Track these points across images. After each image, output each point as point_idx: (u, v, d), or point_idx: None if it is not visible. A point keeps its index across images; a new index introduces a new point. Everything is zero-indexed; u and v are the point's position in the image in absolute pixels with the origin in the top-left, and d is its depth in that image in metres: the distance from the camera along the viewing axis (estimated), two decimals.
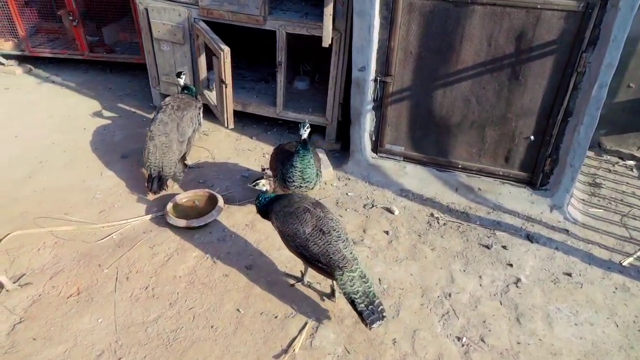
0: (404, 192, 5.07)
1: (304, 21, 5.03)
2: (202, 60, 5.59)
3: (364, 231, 4.49)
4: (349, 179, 5.24)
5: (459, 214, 4.76)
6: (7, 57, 7.44)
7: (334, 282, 3.40)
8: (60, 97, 6.74)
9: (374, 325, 3.11)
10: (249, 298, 3.68)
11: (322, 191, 4.99)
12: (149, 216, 4.46)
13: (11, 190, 4.70)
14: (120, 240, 4.17)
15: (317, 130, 5.87)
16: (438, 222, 4.66)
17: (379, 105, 4.89)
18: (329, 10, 4.32)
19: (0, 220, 4.25)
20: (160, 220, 4.42)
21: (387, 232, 4.49)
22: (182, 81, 5.14)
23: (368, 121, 5.00)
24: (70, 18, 6.73)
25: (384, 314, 3.21)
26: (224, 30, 5.29)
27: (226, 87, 4.87)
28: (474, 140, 4.77)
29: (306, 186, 4.02)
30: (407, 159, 5.12)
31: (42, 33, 7.52)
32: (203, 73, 5.72)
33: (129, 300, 3.59)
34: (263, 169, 3.69)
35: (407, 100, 4.80)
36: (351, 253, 3.30)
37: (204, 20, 5.29)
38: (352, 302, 3.17)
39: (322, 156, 5.28)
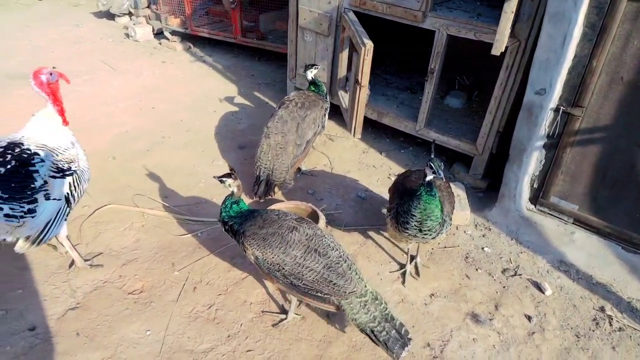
0: (564, 266, 3.71)
1: (472, 22, 3.98)
2: (344, 56, 4.91)
3: (496, 307, 3.30)
4: (490, 230, 4.04)
5: None
6: (173, 33, 7.78)
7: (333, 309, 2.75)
8: (204, 77, 6.74)
9: (402, 354, 2.58)
10: (321, 359, 2.84)
11: (449, 237, 3.91)
12: None
13: (127, 160, 4.60)
14: (203, 240, 3.68)
15: (462, 159, 4.76)
16: (610, 324, 3.24)
17: (554, 144, 3.61)
18: (510, 6, 3.22)
19: (105, 189, 4.11)
20: None
21: (529, 318, 3.24)
22: (310, 75, 4.48)
23: (533, 162, 3.74)
24: (230, 0, 6.66)
25: (410, 336, 2.66)
26: (374, 27, 4.52)
27: (360, 88, 4.08)
28: None
29: (423, 237, 3.00)
30: (579, 222, 3.72)
31: (210, 15, 7.69)
32: (342, 71, 5.04)
33: (187, 317, 3.03)
34: (231, 170, 2.81)
35: (598, 145, 3.44)
36: (356, 273, 2.70)
37: (353, 11, 4.58)
38: (372, 333, 2.61)
39: (461, 193, 4.18)
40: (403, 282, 3.43)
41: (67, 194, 2.90)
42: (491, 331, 3.11)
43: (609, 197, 3.53)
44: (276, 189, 4.17)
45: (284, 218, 2.82)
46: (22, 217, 2.61)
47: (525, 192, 3.88)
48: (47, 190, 2.75)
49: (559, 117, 3.49)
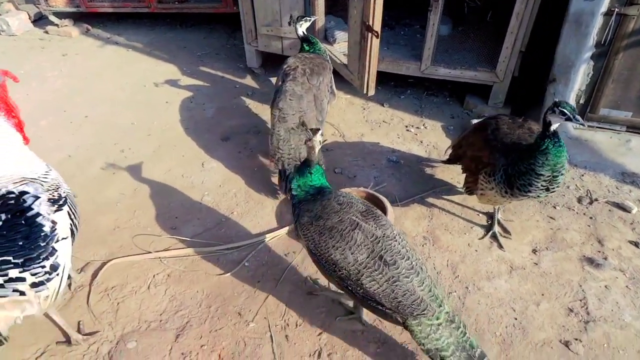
0: (629, 177, 3.55)
1: None
2: (321, 3, 4.08)
3: (600, 243, 3.04)
4: None
5: None
6: (61, 15, 6.16)
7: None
8: (128, 63, 5.45)
9: None
10: None
11: None
12: (287, 228, 3.18)
13: (94, 194, 3.51)
14: (255, 270, 2.91)
15: (473, 90, 4.33)
16: None
17: (604, 53, 3.28)
18: None
19: (89, 240, 3.08)
20: None
21: (636, 244, 3.03)
22: (301, 30, 3.60)
23: (580, 76, 3.41)
24: None
25: None
26: None
27: (375, 37, 3.36)
28: None
29: (546, 195, 2.55)
30: (634, 128, 3.53)
31: None
32: (321, 20, 4.23)
33: None
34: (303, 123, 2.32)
35: None
36: (430, 291, 2.12)
37: None
38: None
39: None
40: (500, 246, 3.02)
41: (70, 225, 2.31)
42: (614, 271, 2.85)
43: None
44: None
45: (347, 209, 2.21)
46: (48, 280, 2.10)
47: None
48: (57, 230, 2.18)
49: (611, 21, 3.13)
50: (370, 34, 3.40)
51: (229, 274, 2.88)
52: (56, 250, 2.15)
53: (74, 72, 5.28)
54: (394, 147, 3.96)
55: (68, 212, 2.31)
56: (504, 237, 3.09)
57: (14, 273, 2.03)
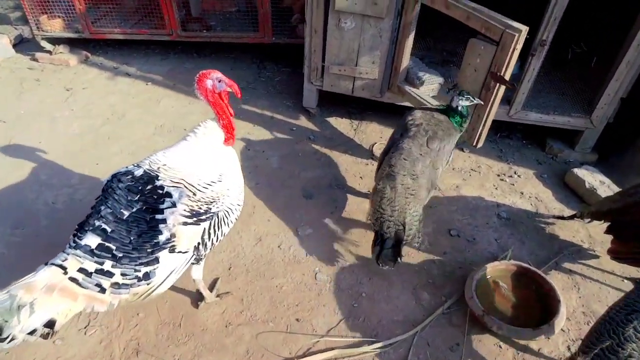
0: None
1: None
2: (409, 43, 3.72)
3: None
4: None
5: None
6: (54, 40, 5.26)
7: None
8: (152, 99, 4.73)
9: None
10: None
11: None
12: (437, 313, 2.75)
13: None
14: None
15: (555, 134, 4.17)
16: None
17: None
18: None
19: (197, 347, 2.46)
20: (458, 319, 2.74)
21: None
22: (459, 104, 3.09)
23: None
24: None
25: None
26: None
27: (510, 88, 3.06)
28: None
29: None
30: None
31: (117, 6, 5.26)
32: (405, 61, 3.85)
33: None
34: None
35: None
36: None
37: None
38: None
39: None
40: None
41: (199, 243, 2.28)
42: None
43: None
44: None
45: None
46: (132, 285, 2.05)
47: None
48: (173, 243, 2.15)
49: None
50: (498, 86, 3.09)
51: None
52: (158, 262, 2.10)
53: (90, 112, 4.47)
54: (497, 200, 3.67)
55: (205, 228, 2.27)
56: None
57: (107, 265, 1.99)
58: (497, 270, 2.89)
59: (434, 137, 3.01)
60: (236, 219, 2.52)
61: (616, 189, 3.58)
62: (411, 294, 2.91)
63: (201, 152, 2.41)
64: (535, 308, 2.74)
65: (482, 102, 3.14)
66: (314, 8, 3.76)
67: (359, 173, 3.88)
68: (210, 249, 2.39)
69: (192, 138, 2.43)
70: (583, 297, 2.95)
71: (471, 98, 3.06)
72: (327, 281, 2.97)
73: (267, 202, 3.53)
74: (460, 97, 3.05)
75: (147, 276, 2.07)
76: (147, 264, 2.06)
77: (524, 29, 2.87)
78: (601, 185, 3.63)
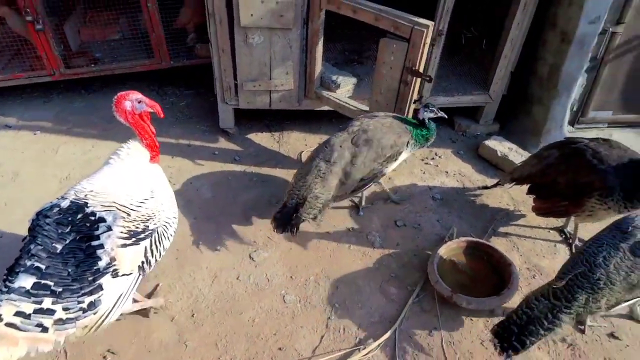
0: None
1: None
2: (319, 50, 3.77)
3: None
4: None
5: None
6: None
7: None
8: (47, 150, 4.21)
9: None
10: None
11: None
12: (410, 300, 2.86)
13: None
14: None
15: (460, 111, 4.53)
16: None
17: (596, 65, 3.79)
18: None
19: None
20: (421, 316, 2.86)
21: None
22: (425, 116, 3.27)
23: (576, 88, 3.87)
24: (29, 18, 4.07)
25: None
26: None
27: (428, 81, 3.26)
28: None
29: None
30: (614, 124, 4.17)
31: None
32: (318, 68, 3.90)
33: None
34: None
35: (632, 52, 3.78)
36: None
37: None
38: None
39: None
40: None
41: (142, 262, 2.27)
42: None
43: (637, 94, 4.01)
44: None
45: None
46: (78, 318, 1.99)
47: (567, 118, 4.04)
48: (114, 267, 2.12)
49: (604, 38, 3.63)
50: (414, 79, 3.27)
51: None
52: (102, 289, 2.06)
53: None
54: (428, 183, 3.91)
55: (147, 247, 2.26)
56: None
57: (47, 303, 1.91)
58: (450, 249, 3.09)
59: (367, 136, 3.11)
60: (175, 231, 2.54)
61: (523, 152, 4.02)
62: (380, 293, 2.99)
63: (128, 173, 2.41)
64: (492, 276, 2.97)
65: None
66: (218, 27, 3.63)
67: None
68: (154, 266, 2.39)
69: (116, 160, 2.43)
70: (524, 255, 3.27)
71: (435, 110, 3.24)
72: (297, 301, 2.92)
73: (212, 236, 3.36)
74: (425, 110, 3.23)
75: (92, 305, 2.03)
76: (90, 292, 2.02)
77: (431, 24, 3.08)
78: (510, 151, 4.04)
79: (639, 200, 2.75)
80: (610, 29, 3.58)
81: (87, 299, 2.02)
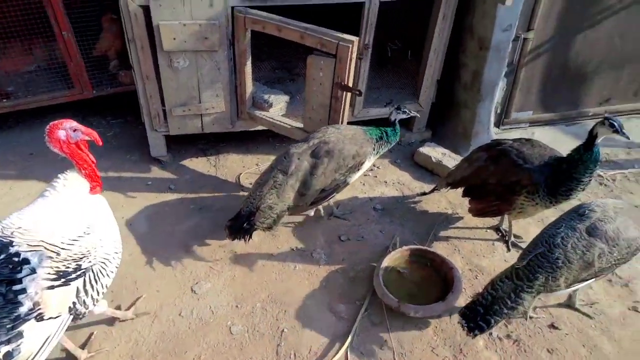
0: None
1: None
2: (248, 70, 3.72)
3: None
4: None
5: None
6: None
7: None
8: None
9: None
10: None
11: None
12: (358, 319, 2.83)
13: None
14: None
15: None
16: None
17: (513, 70, 4.01)
18: None
19: None
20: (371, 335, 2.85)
21: None
22: (395, 117, 3.39)
23: (498, 92, 4.08)
24: None
25: None
26: None
27: (358, 95, 3.31)
28: (609, 82, 4.33)
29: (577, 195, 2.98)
30: (534, 123, 4.42)
31: None
32: (249, 88, 3.84)
33: None
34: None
35: (543, 56, 4.04)
36: None
37: (252, 7, 3.43)
38: None
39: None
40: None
41: (73, 303, 2.18)
42: None
43: (552, 93, 4.29)
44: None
45: None
46: None
47: (492, 120, 4.25)
48: (39, 311, 2.03)
49: (518, 44, 3.85)
50: (345, 94, 3.30)
51: None
52: (22, 337, 1.96)
53: None
54: (368, 195, 3.94)
55: (79, 287, 2.17)
56: (521, 241, 3.46)
57: None
58: (395, 259, 3.11)
59: (329, 147, 3.10)
60: (117, 267, 2.43)
61: (455, 156, 4.16)
62: (328, 311, 2.94)
63: (64, 206, 2.27)
64: (438, 281, 3.02)
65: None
66: (140, 53, 3.48)
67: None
68: (91, 307, 2.30)
69: (51, 192, 2.28)
70: (465, 257, 3.36)
71: (407, 111, 3.32)
72: (244, 331, 2.81)
73: (150, 272, 3.18)
74: (398, 112, 3.30)
75: (9, 355, 1.92)
76: (7, 342, 1.92)
77: (356, 39, 3.13)
78: (443, 156, 4.17)
79: (561, 194, 2.90)
80: (522, 36, 3.81)
81: (4, 349, 1.91)
